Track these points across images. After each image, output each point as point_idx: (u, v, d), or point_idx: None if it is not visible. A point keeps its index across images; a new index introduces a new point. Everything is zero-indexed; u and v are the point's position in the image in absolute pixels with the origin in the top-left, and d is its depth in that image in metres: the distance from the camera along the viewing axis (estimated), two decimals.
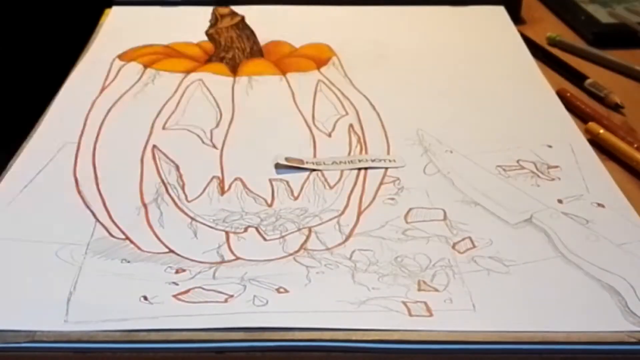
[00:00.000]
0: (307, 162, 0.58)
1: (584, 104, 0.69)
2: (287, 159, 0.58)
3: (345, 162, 0.59)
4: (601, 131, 0.64)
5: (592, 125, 0.65)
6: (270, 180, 0.57)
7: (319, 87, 0.70)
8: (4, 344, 0.42)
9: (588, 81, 0.74)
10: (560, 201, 0.55)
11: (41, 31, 0.82)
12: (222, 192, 0.56)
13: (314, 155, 0.60)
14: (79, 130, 0.63)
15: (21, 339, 0.43)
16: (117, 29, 0.82)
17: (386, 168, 0.58)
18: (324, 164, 0.58)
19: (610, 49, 0.81)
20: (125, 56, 0.75)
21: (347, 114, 0.66)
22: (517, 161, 0.59)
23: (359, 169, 0.58)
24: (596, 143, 0.63)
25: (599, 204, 0.54)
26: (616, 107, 0.70)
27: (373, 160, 0.59)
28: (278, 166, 0.58)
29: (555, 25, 0.89)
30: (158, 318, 0.44)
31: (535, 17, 0.91)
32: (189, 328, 0.43)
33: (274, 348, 0.43)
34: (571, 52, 0.82)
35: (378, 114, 0.66)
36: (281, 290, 0.46)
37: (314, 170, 0.58)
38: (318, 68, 0.73)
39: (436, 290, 0.46)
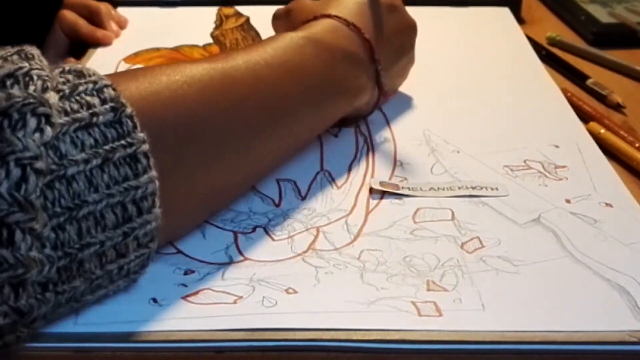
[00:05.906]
0: (402, 188, 0.56)
1: (584, 104, 0.69)
2: (381, 184, 0.56)
3: (443, 189, 0.56)
4: (602, 131, 0.64)
5: (592, 125, 0.65)
6: (278, 180, 0.56)
7: None
8: None
9: (590, 80, 0.74)
10: (568, 201, 0.55)
11: (42, 31, 0.82)
12: None
13: (321, 156, 0.60)
14: None
15: None
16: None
17: (488, 197, 0.55)
18: (421, 189, 0.56)
19: (610, 49, 0.81)
20: (131, 59, 0.75)
21: None
22: (524, 161, 0.59)
23: (458, 196, 0.55)
24: (597, 143, 0.63)
25: (606, 204, 0.54)
26: (618, 107, 0.70)
27: (474, 188, 0.56)
28: (372, 191, 0.55)
29: (555, 25, 0.89)
30: (167, 320, 0.44)
31: (535, 17, 0.91)
32: (190, 328, 0.43)
33: (274, 348, 0.43)
34: (571, 52, 0.82)
35: (384, 115, 0.66)
36: (290, 290, 0.46)
37: (410, 196, 0.55)
38: None
39: (445, 290, 0.46)
